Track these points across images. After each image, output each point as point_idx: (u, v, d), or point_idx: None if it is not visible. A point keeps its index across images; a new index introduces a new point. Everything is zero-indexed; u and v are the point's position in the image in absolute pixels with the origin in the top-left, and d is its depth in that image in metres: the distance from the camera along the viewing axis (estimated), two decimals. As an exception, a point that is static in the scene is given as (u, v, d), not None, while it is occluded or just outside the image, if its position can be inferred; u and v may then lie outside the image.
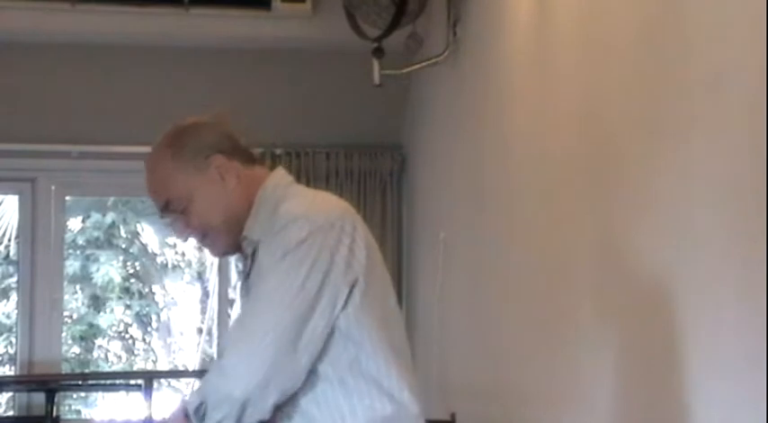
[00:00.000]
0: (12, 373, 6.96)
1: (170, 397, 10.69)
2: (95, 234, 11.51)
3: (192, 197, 2.39)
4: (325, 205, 2.37)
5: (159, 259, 11.72)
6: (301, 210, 2.31)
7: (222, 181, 2.41)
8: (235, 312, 6.95)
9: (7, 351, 10.31)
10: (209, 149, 2.42)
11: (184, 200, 2.39)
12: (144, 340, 11.77)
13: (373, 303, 2.31)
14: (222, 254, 2.52)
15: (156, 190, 2.42)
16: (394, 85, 5.43)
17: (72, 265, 10.87)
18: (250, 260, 2.41)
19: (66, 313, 8.11)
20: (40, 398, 5.64)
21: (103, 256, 11.50)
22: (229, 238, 2.42)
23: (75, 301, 11.27)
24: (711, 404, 2.51)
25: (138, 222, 11.64)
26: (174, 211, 2.41)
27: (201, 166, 2.40)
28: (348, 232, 2.29)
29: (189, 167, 2.39)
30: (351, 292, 2.27)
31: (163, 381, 10.25)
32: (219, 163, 2.40)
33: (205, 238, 2.44)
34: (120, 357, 11.67)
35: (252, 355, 2.20)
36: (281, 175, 2.48)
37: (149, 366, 11.40)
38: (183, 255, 11.71)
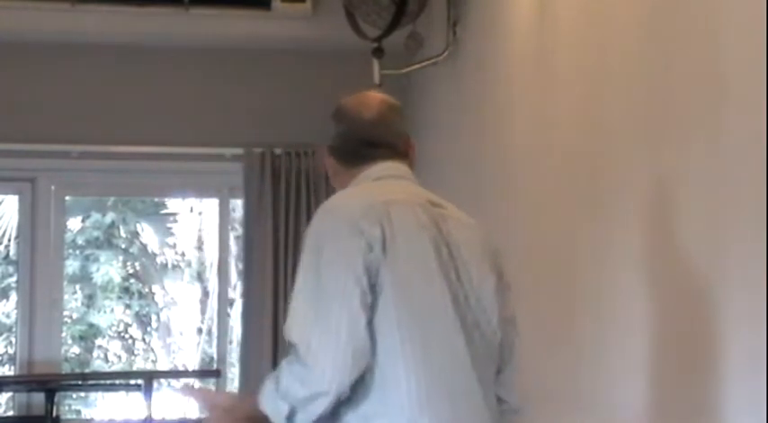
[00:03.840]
0: (12, 373, 6.95)
1: (170, 396, 10.69)
2: (95, 234, 11.51)
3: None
4: (359, 200, 2.42)
5: (159, 259, 11.71)
6: (331, 203, 2.45)
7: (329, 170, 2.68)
8: (235, 312, 6.95)
9: (7, 351, 10.30)
10: (332, 140, 2.70)
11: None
12: (144, 340, 11.77)
13: (396, 309, 2.31)
14: None
15: None
16: (394, 85, 5.43)
17: (72, 265, 10.86)
18: None
19: (66, 313, 8.11)
20: (39, 398, 5.64)
21: (103, 256, 11.49)
22: None
23: (74, 301, 11.27)
24: (714, 407, 2.51)
25: (138, 222, 11.63)
26: None
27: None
28: (367, 232, 2.32)
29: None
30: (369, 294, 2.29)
31: (163, 381, 10.24)
32: (326, 156, 2.67)
33: None
34: (119, 357, 11.67)
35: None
36: (373, 170, 2.57)
37: (149, 366, 11.39)
38: (183, 255, 11.71)
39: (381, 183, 2.53)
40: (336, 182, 2.65)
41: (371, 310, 2.28)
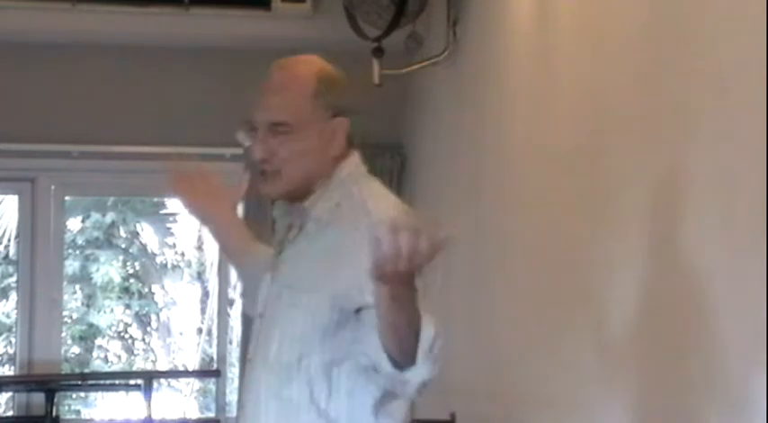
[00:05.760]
0: (12, 373, 6.96)
1: (170, 397, 10.70)
2: (95, 234, 11.52)
3: (300, 133, 2.41)
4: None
5: (159, 259, 11.73)
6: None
7: (329, 143, 2.43)
8: (235, 312, 6.94)
9: (7, 351, 10.31)
10: (341, 110, 2.46)
11: (293, 130, 2.41)
12: (144, 340, 11.78)
13: None
14: (278, 195, 2.47)
15: (277, 107, 2.46)
16: (394, 85, 5.43)
17: (72, 265, 10.87)
18: (297, 230, 2.43)
19: (65, 313, 8.11)
20: (39, 398, 5.64)
21: (103, 256, 11.51)
22: (293, 187, 2.43)
23: (74, 301, 11.28)
24: (707, 408, 2.51)
25: (138, 222, 11.65)
26: (274, 133, 2.42)
27: (325, 118, 2.43)
28: None
29: (318, 110, 2.43)
30: None
31: (162, 381, 10.26)
32: (341, 128, 2.44)
33: (275, 172, 2.42)
34: (119, 357, 11.68)
35: None
36: (356, 163, 2.50)
37: (149, 366, 11.40)
38: (183, 255, 11.72)
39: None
40: (318, 155, 2.42)
41: None
